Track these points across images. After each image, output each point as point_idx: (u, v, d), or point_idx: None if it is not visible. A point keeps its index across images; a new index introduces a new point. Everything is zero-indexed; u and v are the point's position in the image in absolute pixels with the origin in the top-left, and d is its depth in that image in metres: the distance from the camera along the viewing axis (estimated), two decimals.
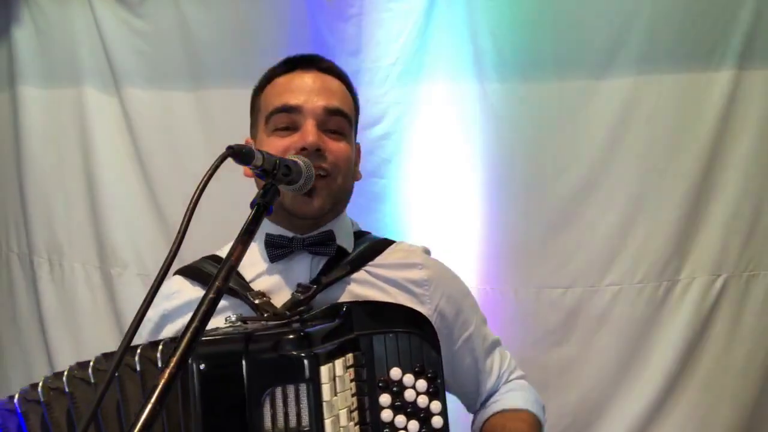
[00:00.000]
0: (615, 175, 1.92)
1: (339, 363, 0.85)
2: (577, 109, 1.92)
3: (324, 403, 0.81)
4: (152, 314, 1.10)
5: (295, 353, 0.81)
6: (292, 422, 0.80)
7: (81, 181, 2.24)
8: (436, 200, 1.98)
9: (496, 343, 1.19)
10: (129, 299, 2.18)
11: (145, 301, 0.71)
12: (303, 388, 0.80)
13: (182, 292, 1.09)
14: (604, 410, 1.93)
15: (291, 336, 0.83)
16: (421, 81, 1.98)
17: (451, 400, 1.05)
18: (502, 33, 1.91)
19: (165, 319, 1.10)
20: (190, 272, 1.11)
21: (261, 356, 0.82)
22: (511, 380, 1.19)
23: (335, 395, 0.83)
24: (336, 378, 0.84)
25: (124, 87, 2.17)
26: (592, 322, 1.93)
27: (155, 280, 0.71)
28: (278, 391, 0.81)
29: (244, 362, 0.81)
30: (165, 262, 0.72)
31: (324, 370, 0.82)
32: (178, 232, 0.74)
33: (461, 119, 1.97)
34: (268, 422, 0.80)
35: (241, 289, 1.03)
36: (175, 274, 1.14)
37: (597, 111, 1.92)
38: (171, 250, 0.73)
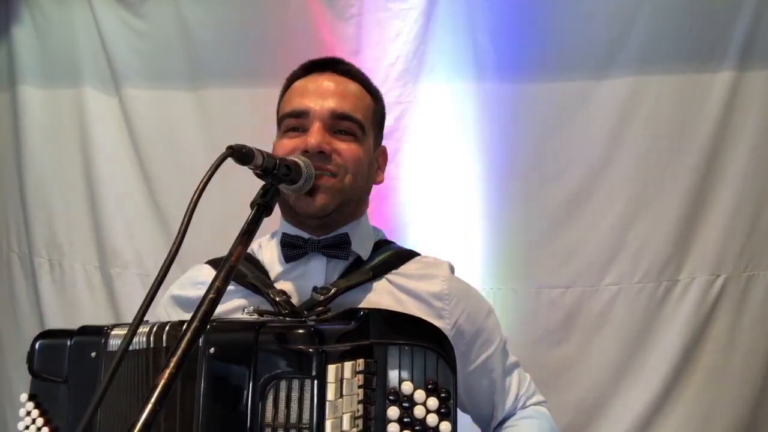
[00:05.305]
0: (614, 175, 1.92)
1: (348, 366, 0.83)
2: (577, 109, 1.93)
3: (327, 403, 0.80)
4: (179, 293, 1.12)
5: (303, 348, 0.81)
6: (293, 418, 0.80)
7: (81, 181, 2.24)
8: (435, 200, 1.98)
9: (515, 365, 1.15)
10: (129, 299, 2.18)
11: (145, 300, 0.72)
12: (308, 383, 0.80)
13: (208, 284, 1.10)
14: (603, 410, 1.93)
15: (302, 331, 0.83)
16: (421, 81, 1.98)
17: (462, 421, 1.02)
18: (502, 33, 1.92)
19: (185, 302, 1.10)
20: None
21: (270, 347, 0.82)
22: (529, 406, 1.14)
23: (340, 397, 0.82)
24: (343, 380, 0.82)
25: (124, 87, 2.17)
26: (592, 322, 1.93)
27: (155, 281, 0.72)
28: (283, 384, 0.80)
29: (253, 351, 0.82)
30: (165, 262, 0.72)
31: (331, 369, 0.81)
32: (178, 232, 0.74)
33: (461, 119, 1.97)
34: (269, 415, 0.80)
35: (263, 287, 1.03)
36: (206, 263, 1.14)
37: (597, 111, 1.92)
38: (171, 250, 0.73)
